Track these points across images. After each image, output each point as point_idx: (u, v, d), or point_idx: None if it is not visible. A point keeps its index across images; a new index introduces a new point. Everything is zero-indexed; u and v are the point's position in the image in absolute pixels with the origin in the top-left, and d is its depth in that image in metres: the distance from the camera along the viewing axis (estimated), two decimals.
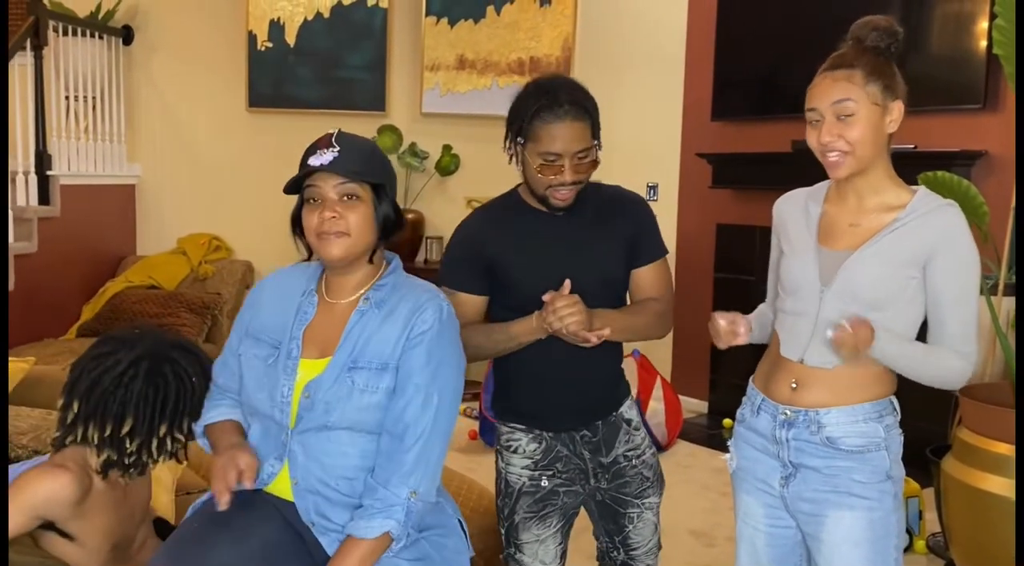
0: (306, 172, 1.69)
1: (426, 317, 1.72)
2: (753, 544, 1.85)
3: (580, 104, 1.88)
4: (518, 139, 1.93)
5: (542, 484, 2.02)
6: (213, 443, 1.81)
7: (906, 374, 1.71)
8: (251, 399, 1.79)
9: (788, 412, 1.75)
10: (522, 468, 2.02)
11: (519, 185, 2.05)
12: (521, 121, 1.90)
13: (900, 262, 1.67)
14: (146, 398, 1.81)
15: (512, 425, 2.05)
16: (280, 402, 1.73)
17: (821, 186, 1.84)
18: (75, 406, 1.81)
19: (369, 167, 1.74)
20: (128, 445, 1.80)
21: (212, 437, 1.82)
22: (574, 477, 2.04)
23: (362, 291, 1.77)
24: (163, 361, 1.84)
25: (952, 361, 1.69)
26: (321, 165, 1.67)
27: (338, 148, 1.69)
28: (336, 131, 1.73)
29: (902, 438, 1.76)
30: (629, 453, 2.07)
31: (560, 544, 2.07)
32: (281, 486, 1.77)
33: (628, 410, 2.11)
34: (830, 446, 1.72)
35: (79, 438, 1.80)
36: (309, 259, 1.82)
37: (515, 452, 2.04)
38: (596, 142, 1.92)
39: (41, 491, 1.72)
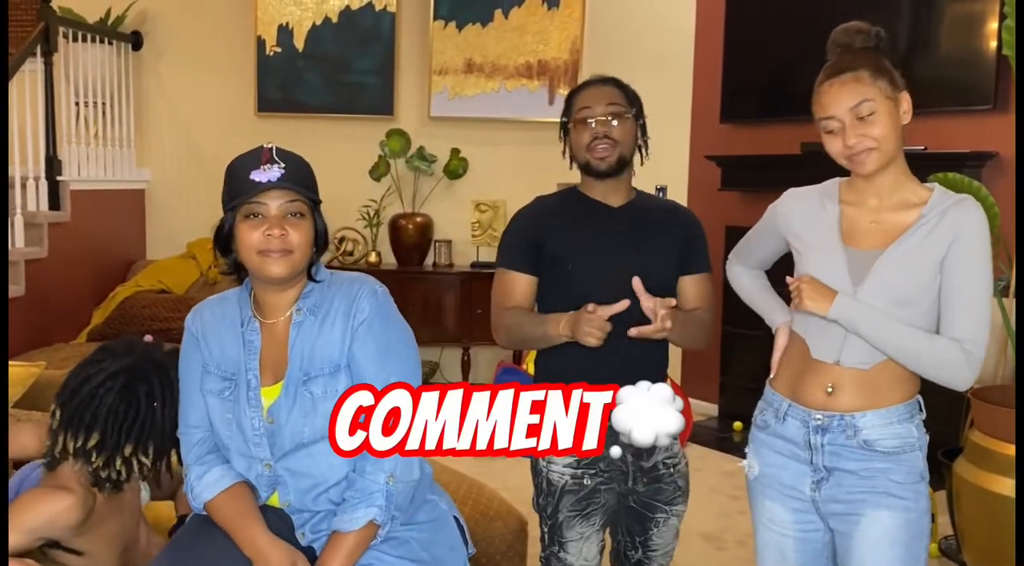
0: (254, 189, 1.63)
1: (362, 306, 1.71)
2: (781, 550, 1.82)
3: (611, 79, 2.09)
4: (563, 119, 2.09)
5: (584, 483, 2.01)
6: (232, 528, 1.69)
7: (894, 355, 1.67)
8: (222, 437, 1.76)
9: (821, 417, 1.73)
10: (564, 467, 2.02)
11: (579, 183, 2.13)
12: (565, 107, 2.09)
13: (930, 259, 1.66)
14: (116, 414, 1.77)
15: None
16: (253, 436, 1.71)
17: (832, 184, 1.82)
18: (58, 413, 1.80)
19: (312, 183, 1.72)
20: (94, 459, 1.76)
21: (229, 519, 1.70)
22: (614, 477, 2.04)
23: (294, 304, 1.74)
24: (139, 380, 1.80)
25: (950, 350, 1.64)
26: (269, 181, 1.63)
27: (283, 164, 1.65)
28: (273, 146, 1.68)
29: (927, 438, 1.75)
30: (668, 460, 2.07)
31: (601, 542, 2.09)
32: (271, 500, 1.78)
33: None
34: (867, 449, 1.70)
35: (60, 447, 1.78)
36: (238, 276, 1.76)
37: None
38: (633, 110, 2.06)
39: (44, 514, 1.71)
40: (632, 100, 2.07)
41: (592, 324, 1.85)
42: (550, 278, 2.04)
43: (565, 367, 1.96)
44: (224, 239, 1.71)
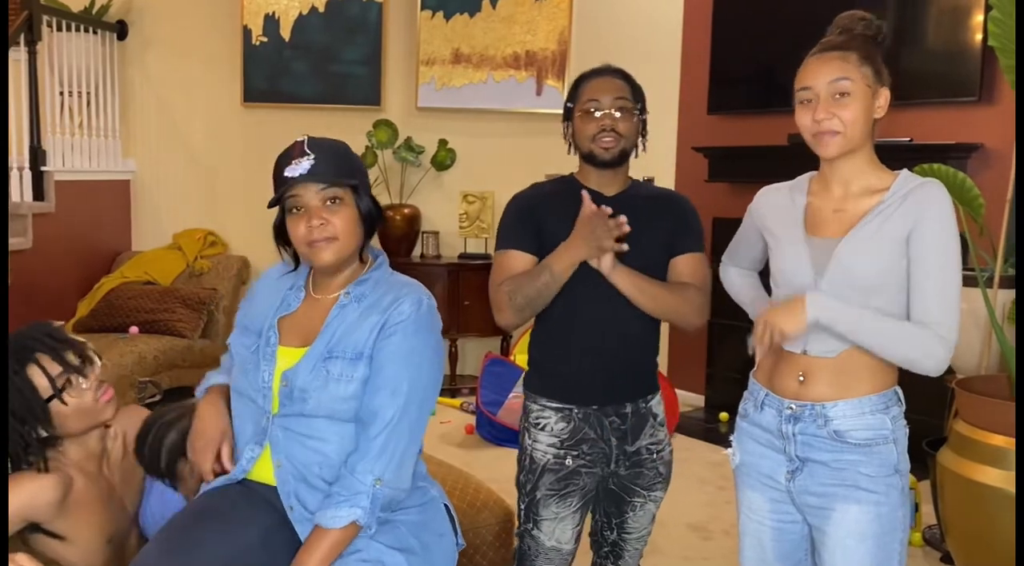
0: (286, 185, 1.71)
1: (403, 309, 1.75)
2: (759, 539, 1.84)
3: (620, 71, 2.13)
4: (568, 105, 2.12)
5: (566, 463, 2.07)
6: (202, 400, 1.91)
7: (872, 347, 1.66)
8: (238, 383, 1.84)
9: (794, 406, 1.74)
10: (548, 446, 2.07)
11: (575, 172, 2.17)
12: (571, 92, 2.13)
13: (889, 244, 1.66)
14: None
15: (543, 403, 2.10)
16: (261, 387, 1.77)
17: (803, 178, 1.85)
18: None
19: (345, 168, 1.76)
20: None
21: (204, 399, 1.92)
22: (596, 460, 2.08)
23: (346, 287, 1.81)
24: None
25: (923, 337, 1.63)
26: (299, 175, 1.69)
27: (312, 155, 1.70)
28: (306, 138, 1.74)
29: (908, 430, 1.76)
30: (652, 446, 2.13)
31: (577, 526, 2.13)
32: (263, 471, 1.78)
33: (656, 405, 2.17)
34: (838, 439, 1.71)
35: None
36: (296, 267, 1.85)
37: (542, 430, 2.09)
38: (638, 106, 2.10)
39: (22, 494, 1.71)
40: (637, 95, 2.11)
41: (600, 228, 1.92)
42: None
43: (559, 331, 2.07)
44: (283, 233, 1.79)
